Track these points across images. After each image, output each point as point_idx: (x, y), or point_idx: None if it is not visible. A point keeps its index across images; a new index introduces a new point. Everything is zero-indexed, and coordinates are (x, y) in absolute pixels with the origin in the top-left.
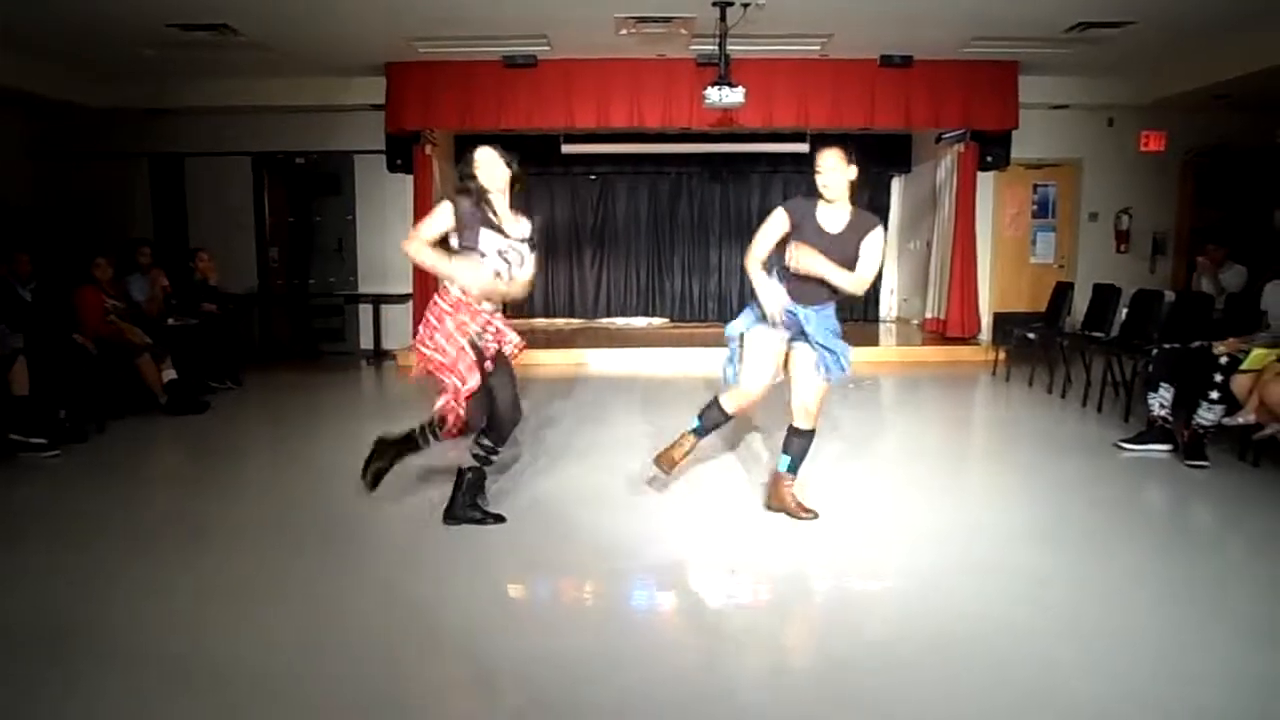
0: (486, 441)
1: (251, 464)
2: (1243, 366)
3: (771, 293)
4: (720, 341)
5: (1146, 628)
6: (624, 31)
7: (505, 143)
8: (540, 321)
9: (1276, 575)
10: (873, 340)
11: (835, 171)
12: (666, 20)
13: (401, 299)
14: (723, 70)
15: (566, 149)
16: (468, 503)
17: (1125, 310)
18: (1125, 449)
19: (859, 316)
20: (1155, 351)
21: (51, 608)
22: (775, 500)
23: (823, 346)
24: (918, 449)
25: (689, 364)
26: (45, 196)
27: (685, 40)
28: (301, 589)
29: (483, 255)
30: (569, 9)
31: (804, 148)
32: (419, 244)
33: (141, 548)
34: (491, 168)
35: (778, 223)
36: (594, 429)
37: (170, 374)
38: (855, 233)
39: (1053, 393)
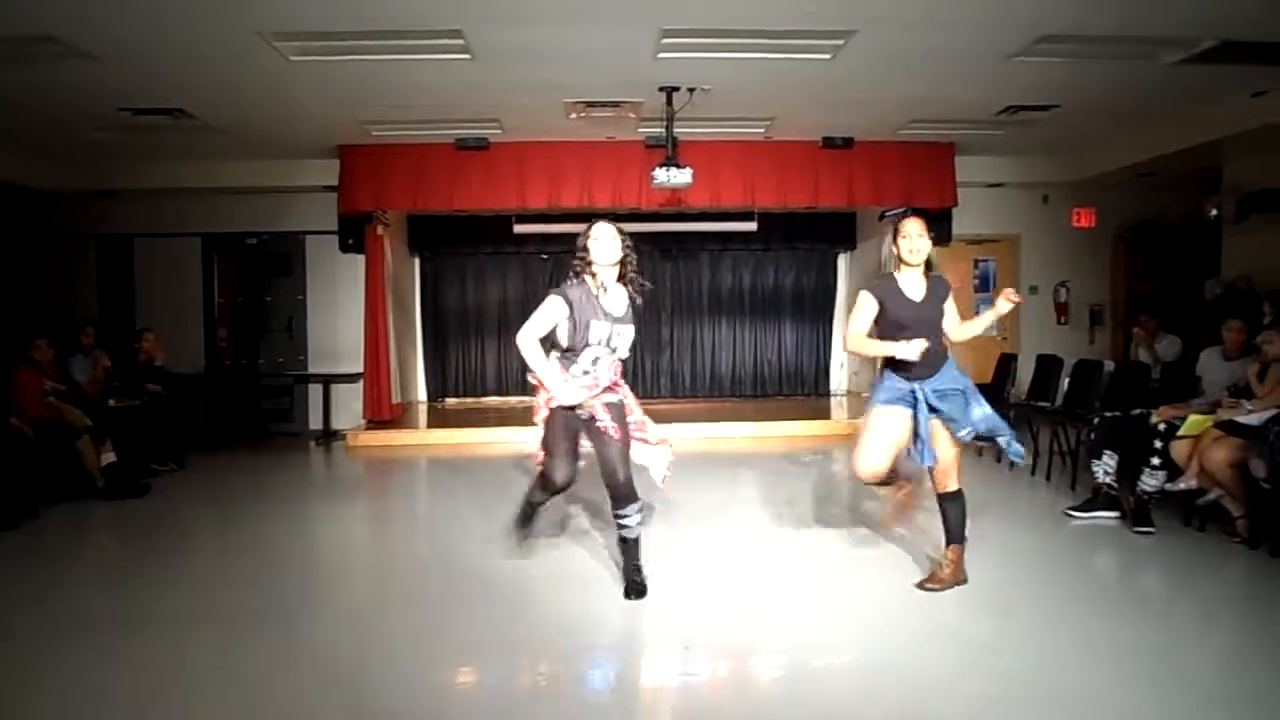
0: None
1: (189, 549)
2: (1180, 433)
3: (906, 346)
4: (675, 418)
5: (1099, 693)
6: (574, 115)
7: (459, 223)
8: (493, 400)
9: (1225, 640)
10: (824, 414)
11: (923, 238)
12: (615, 104)
13: (352, 379)
14: (670, 152)
15: (519, 229)
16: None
17: (1067, 380)
18: (1074, 517)
19: (810, 391)
20: (1097, 420)
21: None
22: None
23: (924, 437)
24: (870, 520)
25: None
26: None
27: (633, 123)
28: (238, 678)
29: (590, 345)
30: (519, 94)
31: (752, 226)
32: (532, 340)
33: (69, 638)
34: (606, 243)
35: (869, 306)
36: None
37: (110, 457)
38: (937, 297)
39: (1001, 462)
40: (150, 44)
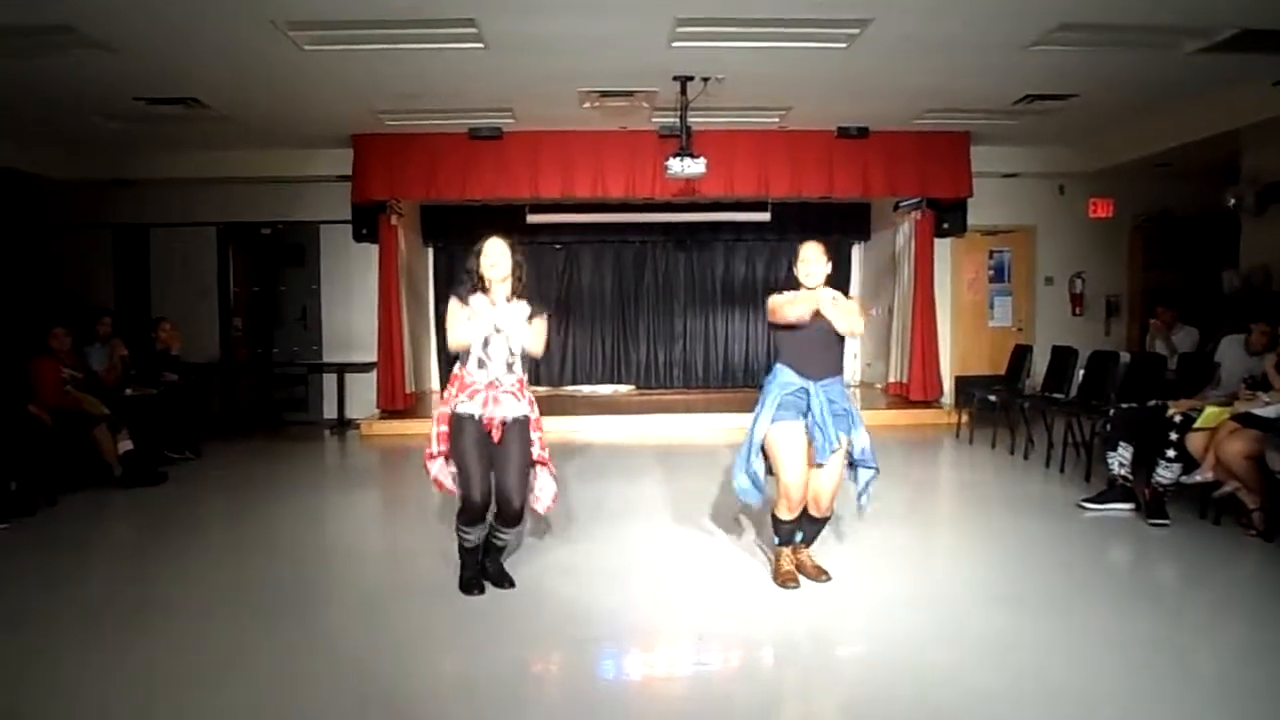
0: (457, 521)
1: (205, 537)
2: (1196, 425)
3: (813, 298)
4: (690, 408)
5: (1111, 686)
6: (587, 104)
7: (472, 213)
8: None
9: (1240, 634)
10: None
11: (819, 263)
12: (629, 94)
13: (366, 368)
14: (684, 142)
15: (532, 219)
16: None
17: (1082, 372)
18: (1088, 509)
19: None
20: (1112, 412)
21: None
22: (796, 564)
23: (820, 428)
24: (885, 513)
25: (655, 430)
26: (3, 267)
27: (647, 113)
28: (253, 669)
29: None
30: (533, 83)
31: (765, 216)
32: (453, 340)
33: (84, 627)
34: (496, 259)
35: (783, 294)
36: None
37: (127, 445)
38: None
39: (1015, 454)
40: (165, 33)
